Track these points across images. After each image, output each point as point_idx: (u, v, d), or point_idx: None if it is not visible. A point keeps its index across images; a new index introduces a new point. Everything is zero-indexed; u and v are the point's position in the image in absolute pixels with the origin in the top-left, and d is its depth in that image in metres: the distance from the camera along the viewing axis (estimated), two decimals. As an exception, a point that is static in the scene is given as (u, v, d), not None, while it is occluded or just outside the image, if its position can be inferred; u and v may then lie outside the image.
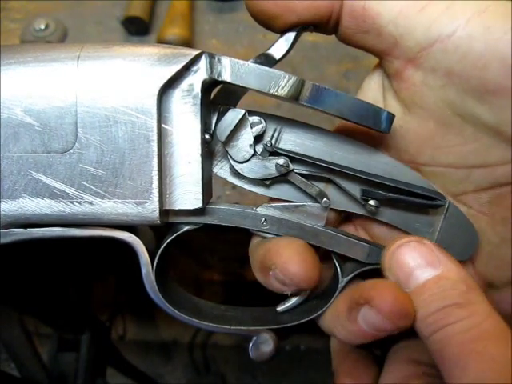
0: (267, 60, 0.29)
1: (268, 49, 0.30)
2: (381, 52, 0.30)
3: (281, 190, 0.32)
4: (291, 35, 0.29)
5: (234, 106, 0.31)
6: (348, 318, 0.30)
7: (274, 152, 0.30)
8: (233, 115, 0.29)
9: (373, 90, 0.32)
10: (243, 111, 0.29)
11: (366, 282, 0.30)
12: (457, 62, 0.27)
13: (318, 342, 1.36)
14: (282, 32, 0.29)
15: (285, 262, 0.29)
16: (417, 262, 0.28)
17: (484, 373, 0.24)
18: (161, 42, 0.75)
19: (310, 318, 0.33)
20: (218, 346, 1.40)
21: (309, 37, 0.79)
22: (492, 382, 0.24)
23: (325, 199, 0.30)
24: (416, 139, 0.31)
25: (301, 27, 0.29)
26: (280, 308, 0.34)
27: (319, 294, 0.34)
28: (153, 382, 1.15)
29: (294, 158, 0.30)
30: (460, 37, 0.27)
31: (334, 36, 0.31)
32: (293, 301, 0.34)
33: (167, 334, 1.41)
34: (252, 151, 0.30)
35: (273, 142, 0.31)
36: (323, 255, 0.33)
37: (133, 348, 1.33)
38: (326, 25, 0.29)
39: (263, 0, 0.28)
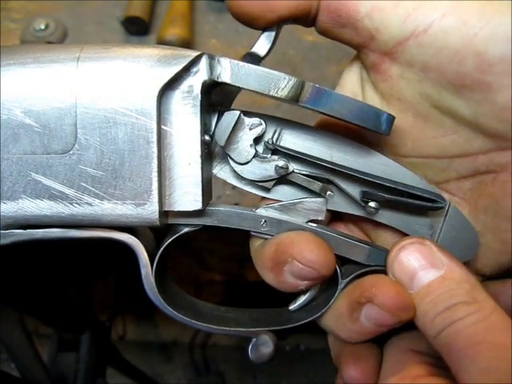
0: (253, 59, 0.29)
1: (251, 48, 0.30)
2: (358, 45, 0.30)
3: (281, 192, 0.32)
4: (272, 32, 0.30)
5: (229, 106, 0.31)
6: (350, 319, 0.30)
7: (275, 150, 0.30)
8: (229, 118, 0.29)
9: (352, 82, 0.32)
10: (238, 112, 0.29)
11: (364, 280, 0.31)
12: (433, 57, 0.27)
13: (318, 342, 1.36)
14: (263, 29, 0.30)
15: (302, 251, 0.29)
16: (419, 264, 0.28)
17: (495, 360, 0.25)
18: (161, 41, 0.75)
19: (309, 319, 0.33)
20: (217, 346, 1.40)
21: (309, 37, 0.79)
22: (503, 369, 0.25)
23: (329, 192, 0.30)
24: (396, 131, 0.31)
25: (280, 23, 0.29)
26: (292, 307, 0.34)
27: (319, 296, 0.34)
28: (153, 382, 1.15)
29: (294, 157, 0.30)
30: (435, 31, 0.27)
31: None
32: (303, 298, 0.34)
33: (167, 334, 1.41)
34: (253, 151, 0.30)
35: (274, 139, 0.31)
36: None
37: (133, 348, 1.33)
38: (305, 19, 0.30)
39: (244, 2, 0.29)
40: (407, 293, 0.28)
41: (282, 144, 0.31)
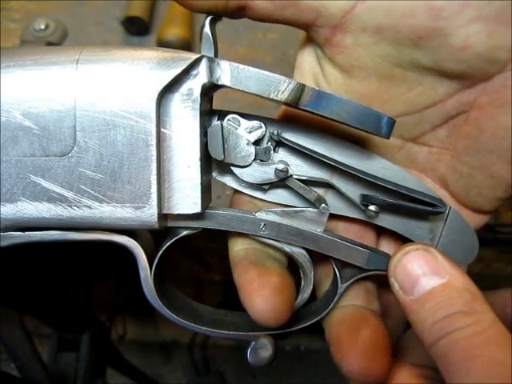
0: None
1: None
2: (305, 24, 0.30)
3: (280, 195, 0.32)
4: (207, 33, 0.29)
5: (211, 106, 0.31)
6: None
7: (279, 141, 0.30)
8: (213, 132, 0.29)
9: (308, 62, 0.32)
10: (218, 123, 0.30)
11: (336, 342, 0.31)
12: (384, 17, 0.27)
13: (318, 342, 1.36)
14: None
15: (255, 312, 0.29)
16: (423, 270, 0.28)
17: (488, 376, 0.24)
18: (161, 41, 0.75)
19: (307, 323, 0.33)
20: (217, 346, 1.40)
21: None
22: None
23: (323, 205, 0.30)
24: (363, 100, 0.30)
25: (211, 21, 0.29)
26: None
27: (318, 300, 0.34)
28: (153, 382, 1.15)
29: (295, 154, 0.30)
30: None
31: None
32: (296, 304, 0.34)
33: (167, 334, 1.41)
34: (253, 149, 0.30)
35: (279, 131, 0.30)
36: (323, 256, 0.33)
37: (133, 348, 1.33)
38: (232, 14, 0.30)
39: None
40: (377, 362, 0.29)
41: (281, 149, 0.31)
